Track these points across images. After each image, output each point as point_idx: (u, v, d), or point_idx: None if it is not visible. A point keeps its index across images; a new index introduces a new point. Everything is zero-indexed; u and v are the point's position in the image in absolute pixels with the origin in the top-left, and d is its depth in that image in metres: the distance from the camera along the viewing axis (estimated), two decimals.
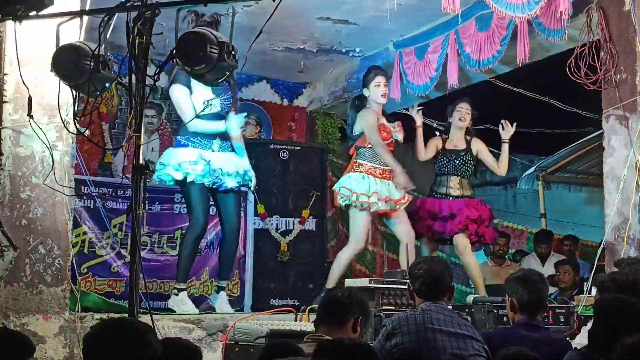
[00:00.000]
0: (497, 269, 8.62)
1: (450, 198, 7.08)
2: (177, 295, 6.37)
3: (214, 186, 6.37)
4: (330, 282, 6.85)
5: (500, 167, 7.25)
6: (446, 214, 6.99)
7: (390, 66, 8.10)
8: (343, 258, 6.91)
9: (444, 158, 7.17)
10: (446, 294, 4.11)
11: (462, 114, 7.15)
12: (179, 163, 6.21)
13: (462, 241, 7.02)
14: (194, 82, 6.10)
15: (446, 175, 7.15)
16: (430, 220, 7.05)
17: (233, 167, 6.43)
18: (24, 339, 3.21)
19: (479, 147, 7.24)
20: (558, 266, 8.26)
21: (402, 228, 6.93)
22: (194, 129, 6.26)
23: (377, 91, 6.89)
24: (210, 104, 6.23)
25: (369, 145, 6.85)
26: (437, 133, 7.50)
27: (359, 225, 6.82)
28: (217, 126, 6.38)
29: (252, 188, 6.71)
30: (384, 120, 6.96)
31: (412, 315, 4.01)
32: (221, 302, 6.64)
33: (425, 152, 7.24)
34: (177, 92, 6.23)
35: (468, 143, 7.22)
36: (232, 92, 6.50)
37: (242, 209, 7.58)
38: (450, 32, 7.28)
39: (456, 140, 7.22)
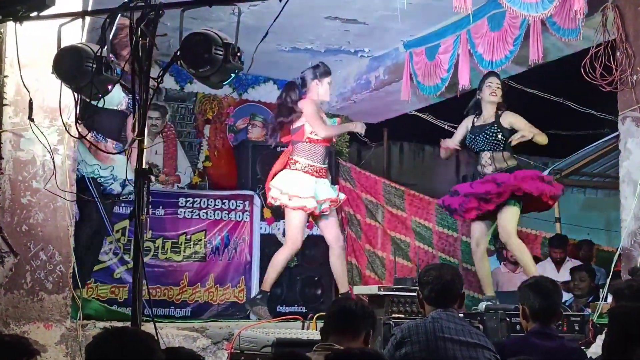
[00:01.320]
0: (510, 275, 8.60)
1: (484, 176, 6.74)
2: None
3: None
4: (267, 285, 6.74)
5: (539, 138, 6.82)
6: (483, 192, 6.61)
7: (400, 67, 8.12)
8: (279, 259, 6.76)
9: (471, 136, 6.84)
10: (456, 301, 4.11)
11: (492, 89, 6.79)
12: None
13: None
14: None
15: (477, 152, 6.86)
16: (476, 203, 6.70)
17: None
18: (18, 342, 3.18)
19: (512, 120, 6.78)
20: (573, 272, 8.24)
21: (333, 232, 6.86)
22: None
23: (328, 89, 6.91)
24: None
25: (306, 140, 6.74)
26: (446, 126, 7.36)
27: (294, 226, 6.70)
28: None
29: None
30: (323, 115, 6.89)
31: (422, 323, 4.01)
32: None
33: (457, 137, 7.01)
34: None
35: (497, 117, 6.81)
36: None
37: (248, 214, 7.61)
38: (461, 31, 7.28)
39: (487, 116, 6.86)
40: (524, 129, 6.70)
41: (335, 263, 6.78)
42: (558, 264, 9.03)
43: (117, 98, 6.26)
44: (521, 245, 6.81)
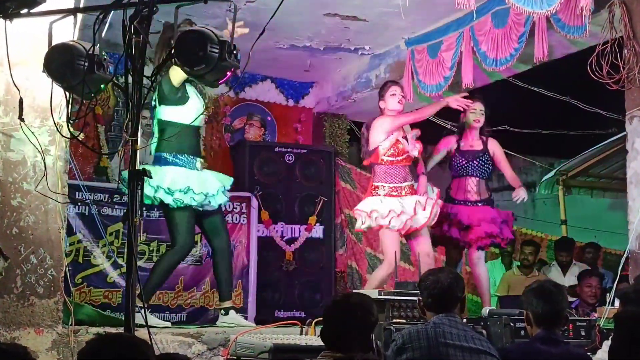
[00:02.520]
0: (523, 279, 8.58)
1: (469, 204, 7.13)
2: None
3: (201, 209, 6.33)
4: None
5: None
6: (465, 224, 7.05)
7: (402, 65, 8.12)
8: (376, 277, 6.85)
9: (462, 159, 7.22)
10: (456, 305, 4.11)
11: (477, 115, 7.17)
12: (169, 188, 6.11)
13: (476, 253, 7.15)
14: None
15: (464, 177, 7.19)
16: (447, 227, 7.10)
17: (215, 187, 6.36)
18: (16, 350, 3.20)
19: (495, 149, 7.29)
20: (584, 278, 8.19)
21: (425, 249, 6.88)
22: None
23: (394, 100, 6.89)
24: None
25: (382, 162, 6.80)
26: (449, 129, 7.52)
27: (385, 245, 6.80)
28: None
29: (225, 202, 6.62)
30: (401, 138, 6.89)
31: (423, 329, 4.01)
32: (235, 320, 6.51)
33: (434, 157, 7.35)
34: None
35: (485, 144, 7.26)
36: None
37: (245, 217, 7.62)
38: (464, 28, 7.28)
39: (472, 140, 7.27)
40: (502, 163, 7.33)
41: None
42: (564, 267, 9.05)
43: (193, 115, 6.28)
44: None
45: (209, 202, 6.27)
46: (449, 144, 7.33)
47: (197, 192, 6.14)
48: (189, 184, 6.11)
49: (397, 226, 6.66)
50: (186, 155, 6.23)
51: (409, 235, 6.91)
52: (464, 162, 7.20)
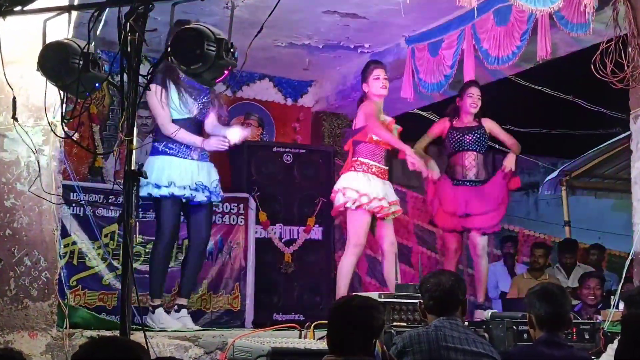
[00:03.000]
0: (532, 282, 8.57)
1: (469, 184, 7.17)
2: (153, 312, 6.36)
3: (188, 201, 6.33)
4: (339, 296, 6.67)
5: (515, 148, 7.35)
6: (464, 212, 7.10)
7: (402, 63, 8.12)
8: (345, 266, 6.79)
9: (457, 134, 7.26)
10: (458, 308, 4.11)
11: (474, 99, 7.21)
12: (169, 181, 6.16)
13: (481, 241, 7.16)
14: (169, 82, 6.12)
15: (460, 152, 7.23)
16: (445, 213, 7.19)
17: (207, 180, 6.38)
18: (12, 356, 3.19)
19: (490, 126, 7.34)
20: (583, 279, 8.20)
21: (391, 237, 6.86)
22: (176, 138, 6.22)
23: (376, 84, 6.83)
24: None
25: (369, 140, 6.76)
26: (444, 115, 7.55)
27: (359, 227, 6.70)
28: (195, 140, 6.30)
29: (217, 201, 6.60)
30: (386, 117, 6.92)
31: (424, 332, 4.01)
32: (182, 321, 6.43)
33: (426, 138, 7.43)
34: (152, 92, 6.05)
35: (479, 121, 7.31)
36: (212, 97, 6.45)
37: (242, 218, 7.61)
38: (466, 26, 7.29)
39: (467, 121, 7.31)
40: (501, 136, 7.40)
41: (389, 270, 6.81)
42: (568, 269, 9.04)
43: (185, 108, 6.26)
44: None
45: (194, 195, 6.27)
46: (442, 126, 7.39)
47: (179, 184, 6.15)
48: (172, 173, 6.13)
49: (376, 209, 6.66)
50: (178, 144, 6.23)
51: (374, 220, 6.83)
52: (458, 136, 7.23)
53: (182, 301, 6.54)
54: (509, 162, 7.15)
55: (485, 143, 7.26)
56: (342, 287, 6.75)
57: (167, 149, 6.25)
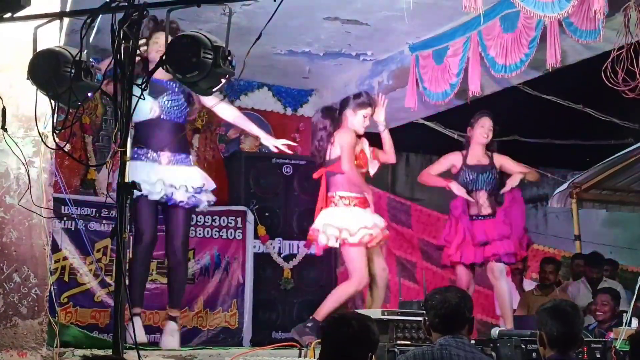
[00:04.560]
0: (542, 299, 8.56)
1: (482, 218, 7.29)
2: None
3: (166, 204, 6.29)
4: (320, 315, 6.67)
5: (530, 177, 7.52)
6: (481, 240, 7.20)
7: (406, 71, 8.13)
8: (343, 293, 6.81)
9: (471, 173, 7.36)
10: (464, 327, 4.10)
11: (485, 131, 7.34)
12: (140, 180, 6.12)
13: (498, 266, 7.21)
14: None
15: (474, 191, 7.34)
16: (462, 246, 7.28)
17: (188, 182, 6.32)
18: None
19: (502, 162, 7.46)
20: (597, 294, 8.19)
21: (381, 263, 6.95)
22: None
23: (361, 122, 6.88)
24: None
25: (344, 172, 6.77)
26: (456, 136, 7.60)
27: (359, 262, 6.74)
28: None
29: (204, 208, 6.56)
30: (365, 147, 6.96)
31: (429, 351, 4.00)
32: (168, 335, 6.40)
33: (437, 167, 7.55)
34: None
35: (491, 158, 7.42)
36: (187, 98, 6.38)
37: (240, 232, 7.61)
38: (472, 33, 7.29)
39: (479, 156, 7.42)
40: (516, 172, 7.40)
41: (375, 293, 6.88)
42: (594, 284, 9.01)
43: (145, 108, 6.17)
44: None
45: (171, 193, 6.21)
46: (454, 159, 7.49)
47: (150, 183, 6.11)
48: (142, 176, 6.03)
49: (367, 240, 6.70)
50: (145, 149, 6.21)
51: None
52: (472, 176, 7.35)
53: (173, 312, 6.46)
54: (511, 181, 7.29)
55: (497, 183, 7.37)
56: (326, 309, 6.70)
57: (134, 154, 6.16)
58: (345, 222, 6.69)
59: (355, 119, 6.86)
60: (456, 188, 7.25)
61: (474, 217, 7.32)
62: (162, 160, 6.27)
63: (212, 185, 6.54)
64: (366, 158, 6.96)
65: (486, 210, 7.30)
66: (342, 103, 7.01)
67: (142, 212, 6.18)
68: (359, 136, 6.92)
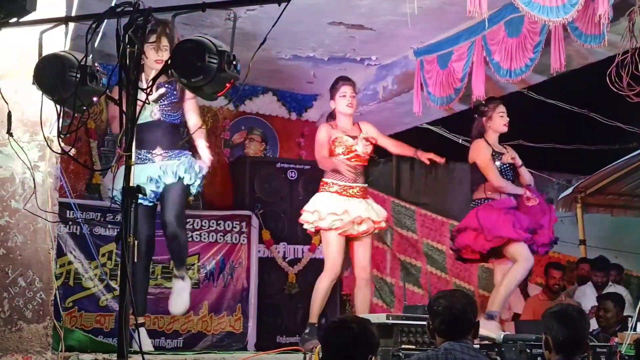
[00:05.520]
0: (548, 304, 8.54)
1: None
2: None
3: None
4: (313, 317, 6.69)
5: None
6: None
7: (410, 76, 8.14)
8: (321, 288, 6.71)
9: (503, 165, 6.99)
10: (470, 332, 4.10)
11: (505, 119, 6.97)
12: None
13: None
14: None
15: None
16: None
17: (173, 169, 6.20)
18: None
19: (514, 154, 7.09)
20: (600, 299, 8.20)
21: (360, 261, 6.79)
22: None
23: (342, 102, 6.83)
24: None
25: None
26: (461, 140, 7.43)
27: (330, 249, 6.66)
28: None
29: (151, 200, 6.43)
30: (339, 134, 6.83)
31: (434, 355, 4.00)
32: (176, 295, 6.29)
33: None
34: None
35: (505, 149, 7.10)
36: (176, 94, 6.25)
37: (245, 236, 7.60)
38: (476, 37, 7.30)
39: (497, 146, 7.06)
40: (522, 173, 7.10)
41: (357, 295, 6.77)
42: (600, 288, 9.01)
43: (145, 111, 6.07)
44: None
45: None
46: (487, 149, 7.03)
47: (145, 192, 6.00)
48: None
49: (345, 229, 6.59)
50: (140, 150, 6.09)
51: (352, 240, 6.78)
52: (504, 168, 6.96)
53: (180, 272, 6.34)
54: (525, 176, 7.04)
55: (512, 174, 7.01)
56: (315, 309, 6.69)
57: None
58: (320, 206, 6.63)
59: (339, 102, 6.83)
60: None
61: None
62: (155, 159, 6.20)
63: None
64: (347, 142, 6.81)
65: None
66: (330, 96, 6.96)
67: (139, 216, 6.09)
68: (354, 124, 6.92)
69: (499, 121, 6.97)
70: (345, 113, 6.84)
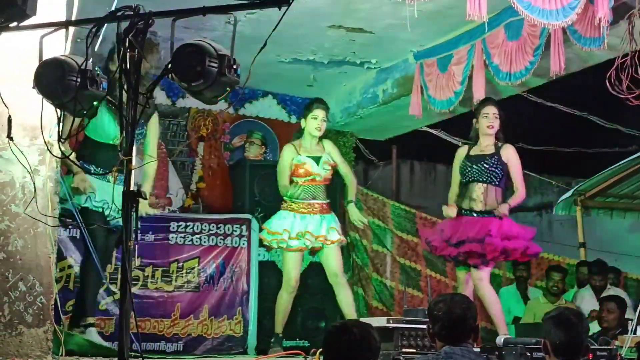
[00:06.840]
0: (549, 307, 8.54)
1: (475, 215, 6.79)
2: None
3: None
4: (278, 327, 7.13)
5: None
6: (455, 240, 6.75)
7: (410, 79, 8.15)
8: (280, 303, 7.16)
9: (467, 163, 6.86)
10: (470, 336, 4.10)
11: (490, 120, 6.83)
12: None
13: (475, 274, 6.76)
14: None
15: (470, 183, 6.85)
16: (443, 242, 6.90)
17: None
18: None
19: (509, 156, 6.87)
20: (602, 302, 8.20)
21: (328, 269, 7.18)
22: None
23: (313, 123, 7.11)
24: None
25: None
26: (461, 143, 7.44)
27: (284, 264, 7.19)
28: None
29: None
30: (302, 158, 7.12)
31: (434, 359, 4.00)
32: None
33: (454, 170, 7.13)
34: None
35: (497, 148, 6.88)
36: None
37: (245, 240, 7.59)
38: (476, 41, 7.31)
39: (484, 145, 6.91)
40: (514, 175, 6.87)
41: (338, 299, 7.16)
42: (598, 292, 9.01)
43: (113, 133, 6.07)
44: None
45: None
46: (460, 154, 7.02)
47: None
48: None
49: (300, 245, 7.01)
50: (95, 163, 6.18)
51: (316, 253, 7.22)
52: (468, 166, 6.85)
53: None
54: (502, 209, 6.69)
55: (497, 173, 6.78)
56: (279, 320, 7.14)
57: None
58: (273, 226, 7.11)
59: (309, 123, 7.14)
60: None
61: (466, 212, 6.80)
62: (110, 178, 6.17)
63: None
64: (307, 168, 7.10)
65: (479, 206, 6.76)
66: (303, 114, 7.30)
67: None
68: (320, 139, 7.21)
69: (482, 122, 6.89)
70: (312, 135, 7.15)
